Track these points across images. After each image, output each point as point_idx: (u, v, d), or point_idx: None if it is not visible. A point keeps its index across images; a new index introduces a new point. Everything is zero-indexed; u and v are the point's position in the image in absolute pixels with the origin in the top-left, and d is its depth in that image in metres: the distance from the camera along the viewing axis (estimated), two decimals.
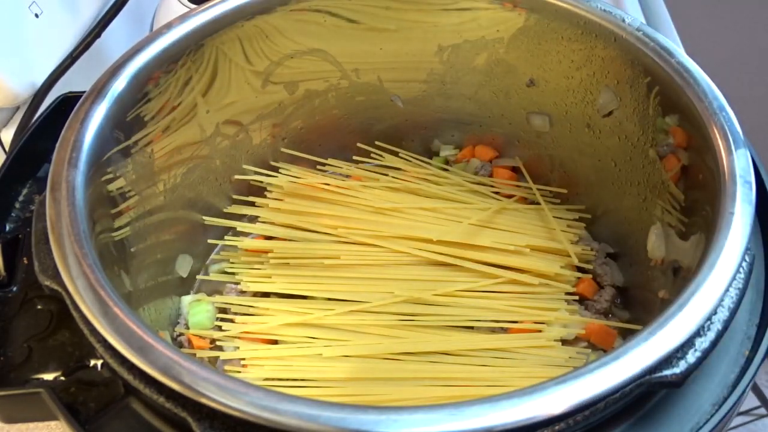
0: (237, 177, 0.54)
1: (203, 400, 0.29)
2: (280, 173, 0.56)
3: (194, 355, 0.47)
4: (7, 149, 0.58)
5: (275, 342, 0.48)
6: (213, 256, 0.54)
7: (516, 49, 0.51)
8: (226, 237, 0.54)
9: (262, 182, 0.55)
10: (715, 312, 0.33)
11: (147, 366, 0.30)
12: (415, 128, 0.59)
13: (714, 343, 0.32)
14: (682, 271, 0.41)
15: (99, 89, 0.41)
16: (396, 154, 0.58)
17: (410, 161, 0.58)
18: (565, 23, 0.48)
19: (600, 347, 0.47)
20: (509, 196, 0.56)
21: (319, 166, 0.58)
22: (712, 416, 0.33)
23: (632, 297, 0.50)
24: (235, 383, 0.29)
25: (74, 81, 0.56)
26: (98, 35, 0.58)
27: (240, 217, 0.55)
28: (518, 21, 0.50)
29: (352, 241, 0.52)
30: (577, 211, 0.55)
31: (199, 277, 0.53)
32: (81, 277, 0.33)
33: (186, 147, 0.49)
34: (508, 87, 0.54)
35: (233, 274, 0.52)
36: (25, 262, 0.41)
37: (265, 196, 0.55)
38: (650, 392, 0.32)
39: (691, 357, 0.31)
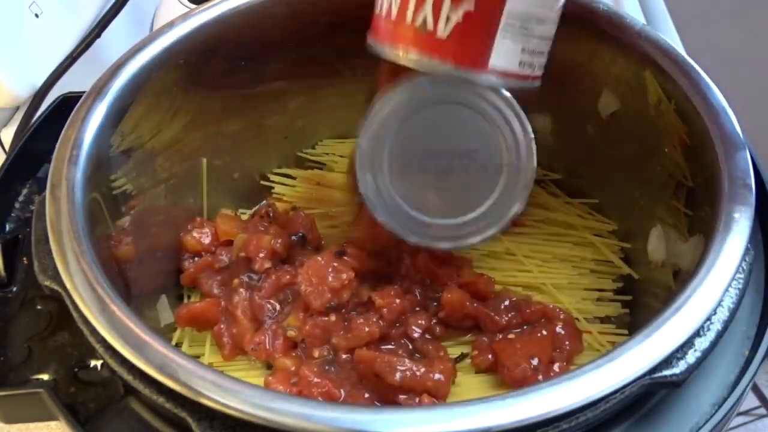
0: (239, 176, 0.54)
1: (197, 398, 0.29)
2: (286, 174, 0.56)
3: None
4: (7, 149, 0.58)
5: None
6: None
7: None
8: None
9: (267, 184, 0.56)
10: (714, 312, 0.33)
11: (143, 363, 0.30)
12: None
13: (714, 343, 0.32)
14: (682, 273, 0.41)
15: (99, 89, 0.41)
16: None
17: None
18: (566, 24, 0.48)
19: None
20: None
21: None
22: (712, 416, 0.33)
23: (633, 299, 0.50)
24: (229, 381, 0.29)
25: (74, 81, 0.56)
26: (98, 35, 0.58)
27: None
28: None
29: None
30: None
31: None
32: (79, 273, 0.33)
33: (187, 146, 0.49)
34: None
35: None
36: (25, 262, 0.41)
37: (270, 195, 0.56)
38: (650, 392, 0.32)
39: (691, 357, 0.32)
